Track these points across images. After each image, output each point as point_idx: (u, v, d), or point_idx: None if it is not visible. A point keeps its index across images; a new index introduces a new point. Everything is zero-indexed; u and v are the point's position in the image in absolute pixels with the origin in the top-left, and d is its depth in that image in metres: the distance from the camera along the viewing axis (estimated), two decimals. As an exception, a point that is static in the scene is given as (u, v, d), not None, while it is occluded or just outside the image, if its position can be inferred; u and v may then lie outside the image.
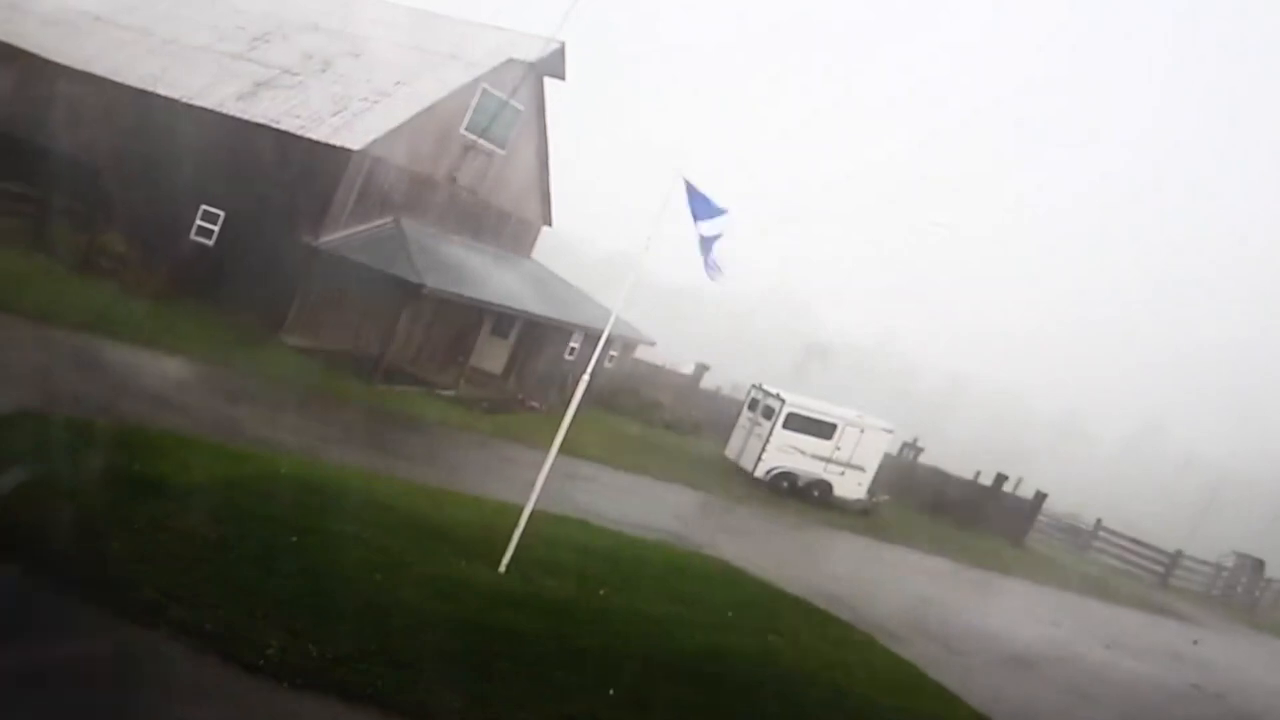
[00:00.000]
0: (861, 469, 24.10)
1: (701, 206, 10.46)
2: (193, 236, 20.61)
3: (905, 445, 31.05)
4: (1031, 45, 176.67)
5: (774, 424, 23.43)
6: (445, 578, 9.68)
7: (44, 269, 18.00)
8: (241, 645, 7.13)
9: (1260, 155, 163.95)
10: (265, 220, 19.95)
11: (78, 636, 6.81)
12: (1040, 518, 29.84)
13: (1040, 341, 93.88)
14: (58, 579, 7.16)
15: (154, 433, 11.31)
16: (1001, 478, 29.93)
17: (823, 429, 23.72)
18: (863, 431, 24.02)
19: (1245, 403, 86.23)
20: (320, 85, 22.09)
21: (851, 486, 24.07)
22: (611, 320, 12.09)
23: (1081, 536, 31.52)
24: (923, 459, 30.84)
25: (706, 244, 10.58)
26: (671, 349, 32.63)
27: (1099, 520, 31.57)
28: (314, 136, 20.28)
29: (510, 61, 23.08)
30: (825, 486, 23.76)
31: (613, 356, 27.97)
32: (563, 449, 10.97)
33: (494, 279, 22.92)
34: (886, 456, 25.33)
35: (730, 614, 11.69)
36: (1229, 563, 31.80)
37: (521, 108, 24.49)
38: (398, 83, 22.01)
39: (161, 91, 21.58)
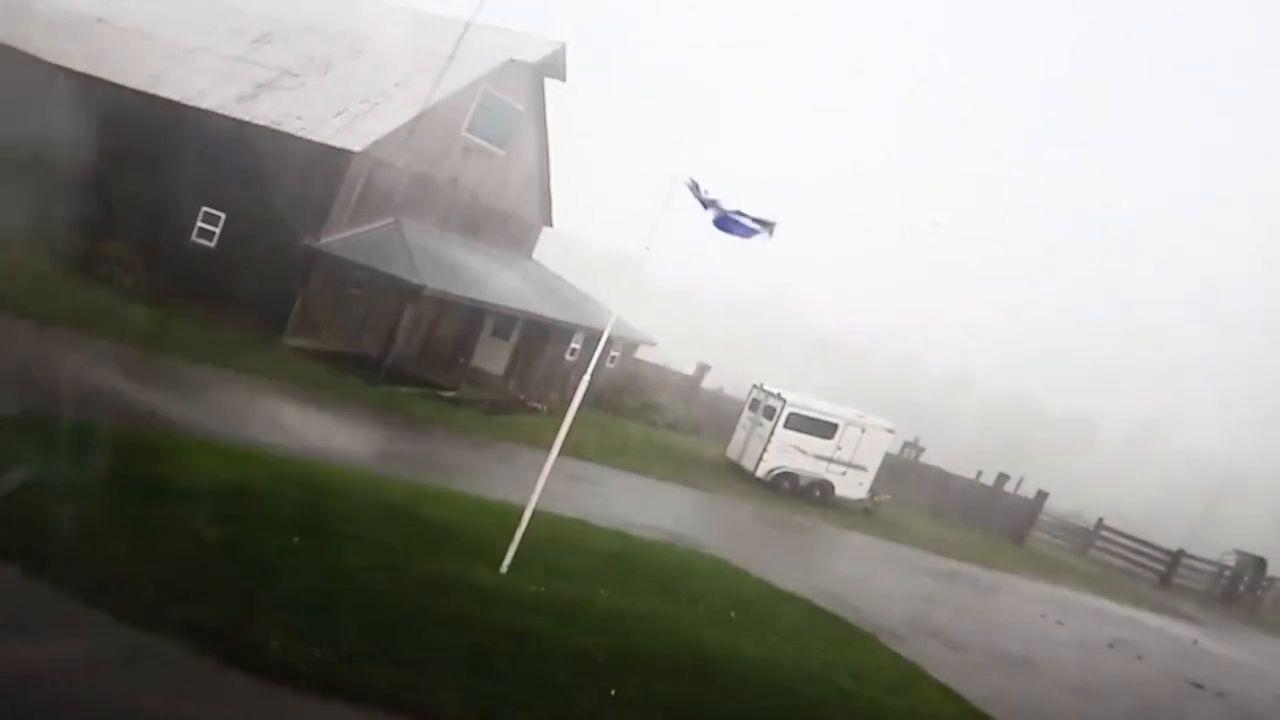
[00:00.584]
0: (863, 469, 24.11)
1: (738, 228, 10.13)
2: (194, 238, 20.64)
3: (907, 445, 31.08)
4: (1031, 45, 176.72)
5: (775, 424, 23.45)
6: (447, 578, 9.68)
7: (44, 271, 18.01)
8: (243, 646, 7.13)
9: (1260, 155, 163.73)
10: (266, 222, 19.93)
11: (78, 637, 6.82)
12: (1042, 517, 29.86)
13: (1042, 341, 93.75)
14: (58, 579, 7.17)
15: (154, 434, 11.33)
16: (1003, 477, 29.99)
17: (824, 429, 23.73)
18: (864, 431, 24.03)
19: (1247, 401, 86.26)
20: (321, 87, 22.12)
21: (853, 486, 24.09)
22: (612, 320, 12.11)
23: (1083, 535, 31.47)
24: (924, 458, 30.87)
25: (731, 218, 10.18)
26: (673, 349, 32.61)
27: (1100, 519, 31.52)
28: (315, 138, 20.32)
29: (511, 62, 23.12)
30: (827, 486, 23.77)
31: (614, 357, 27.97)
32: (564, 449, 10.96)
33: (495, 280, 22.92)
34: (888, 456, 25.35)
35: (732, 614, 11.70)
36: (1231, 561, 31.74)
37: (522, 108, 24.53)
38: (398, 84, 22.03)
39: (162, 93, 21.60)
